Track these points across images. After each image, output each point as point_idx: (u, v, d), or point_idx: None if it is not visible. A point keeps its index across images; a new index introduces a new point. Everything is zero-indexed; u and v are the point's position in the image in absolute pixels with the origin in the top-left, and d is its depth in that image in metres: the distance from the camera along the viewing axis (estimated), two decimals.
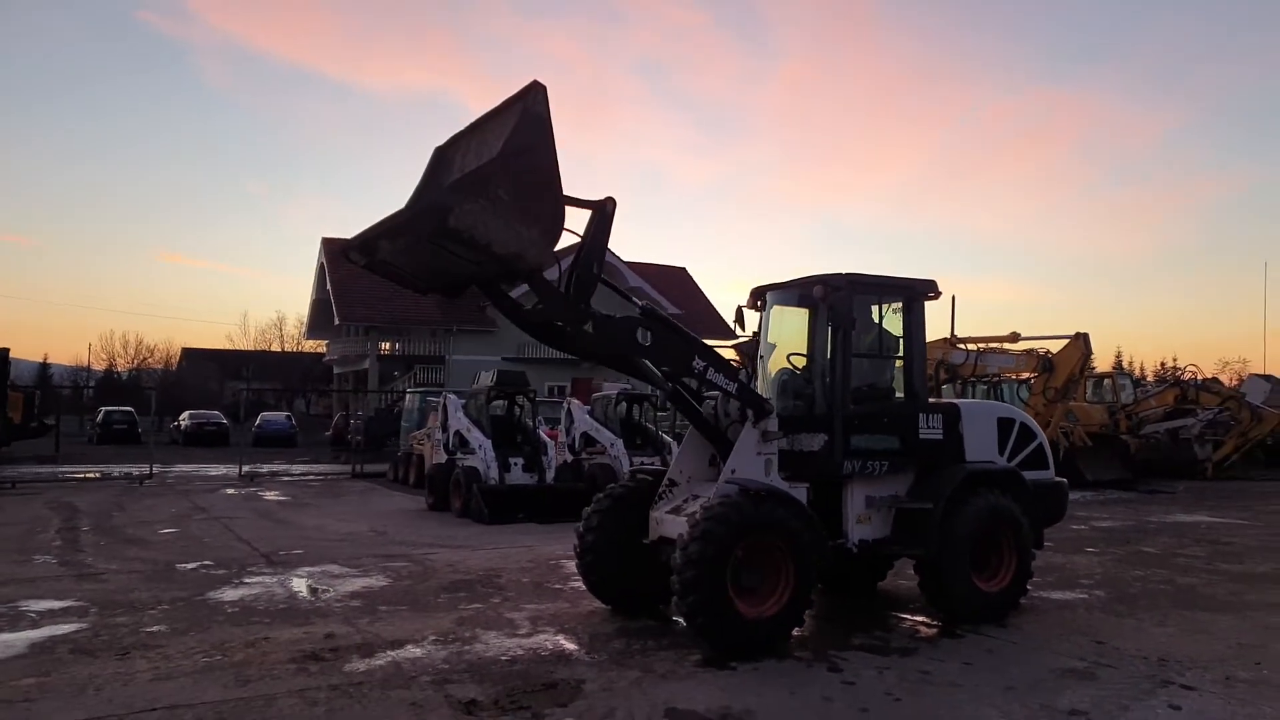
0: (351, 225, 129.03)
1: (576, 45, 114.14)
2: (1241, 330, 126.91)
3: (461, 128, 6.94)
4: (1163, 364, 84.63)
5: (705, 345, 7.56)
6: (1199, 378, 29.19)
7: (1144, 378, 74.98)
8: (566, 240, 6.68)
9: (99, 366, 79.01)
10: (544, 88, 6.21)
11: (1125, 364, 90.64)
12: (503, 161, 6.12)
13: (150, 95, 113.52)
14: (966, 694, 6.03)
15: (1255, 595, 9.34)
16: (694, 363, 7.37)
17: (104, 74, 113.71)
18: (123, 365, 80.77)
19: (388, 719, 5.44)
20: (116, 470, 24.48)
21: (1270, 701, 5.88)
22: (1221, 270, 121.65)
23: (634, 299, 7.73)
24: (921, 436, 8.13)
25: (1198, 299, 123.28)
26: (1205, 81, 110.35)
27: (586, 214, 6.89)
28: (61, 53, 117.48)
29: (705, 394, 7.83)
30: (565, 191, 6.49)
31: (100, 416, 42.34)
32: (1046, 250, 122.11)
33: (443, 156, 7.03)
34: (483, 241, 6.03)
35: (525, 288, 6.73)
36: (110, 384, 72.38)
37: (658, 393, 25.12)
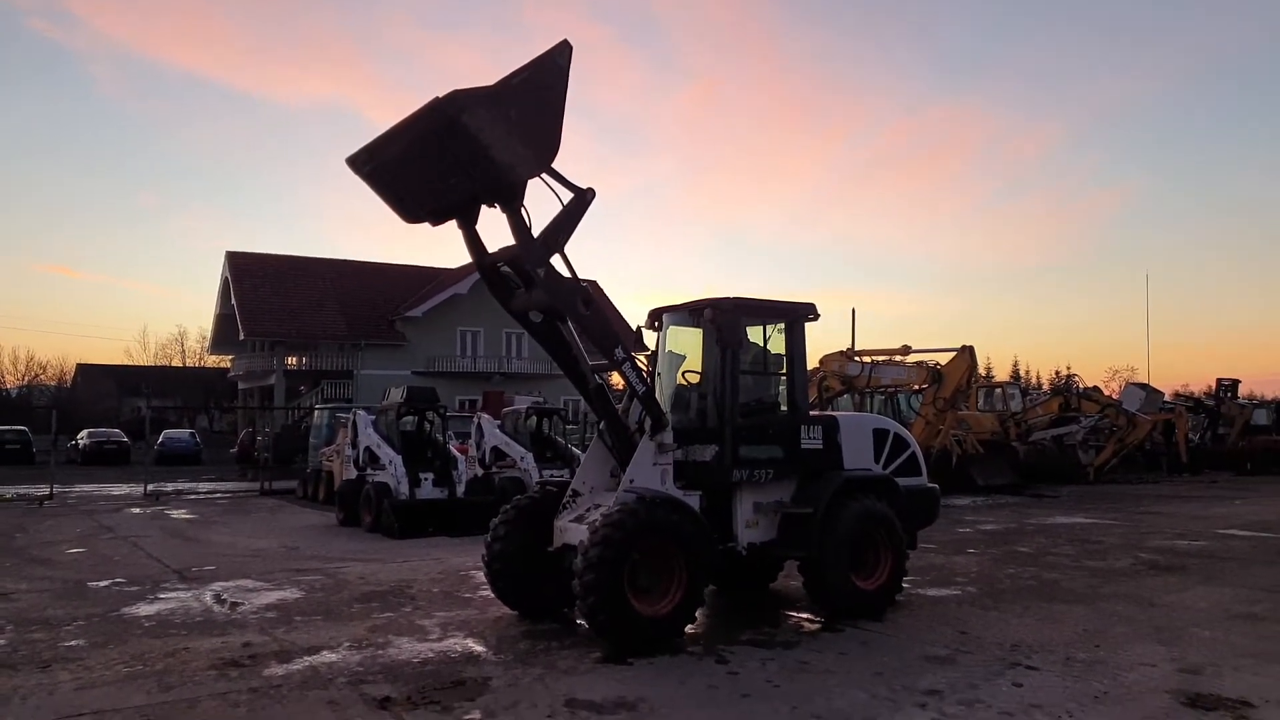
0: (254, 238, 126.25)
1: (478, 56, 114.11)
2: (1131, 339, 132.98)
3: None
4: (1057, 372, 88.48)
5: (629, 346, 8.13)
6: (1080, 386, 31.18)
7: (1040, 385, 78.35)
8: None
9: None
10: (571, 46, 7.25)
11: (1023, 372, 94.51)
12: (520, 88, 6.98)
13: (35, 103, 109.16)
14: (839, 679, 6.69)
15: (1109, 588, 10.28)
16: (616, 351, 7.90)
17: None
18: (12, 382, 77.73)
19: (307, 716, 5.85)
20: (11, 491, 23.89)
21: (1100, 678, 6.68)
22: (1112, 279, 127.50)
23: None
24: (803, 446, 8.81)
25: (1091, 308, 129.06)
26: (1092, 95, 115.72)
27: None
28: None
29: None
30: (556, 169, 7.36)
31: None
32: (947, 262, 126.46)
33: None
34: (484, 143, 6.80)
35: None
36: None
37: (566, 406, 25.74)
